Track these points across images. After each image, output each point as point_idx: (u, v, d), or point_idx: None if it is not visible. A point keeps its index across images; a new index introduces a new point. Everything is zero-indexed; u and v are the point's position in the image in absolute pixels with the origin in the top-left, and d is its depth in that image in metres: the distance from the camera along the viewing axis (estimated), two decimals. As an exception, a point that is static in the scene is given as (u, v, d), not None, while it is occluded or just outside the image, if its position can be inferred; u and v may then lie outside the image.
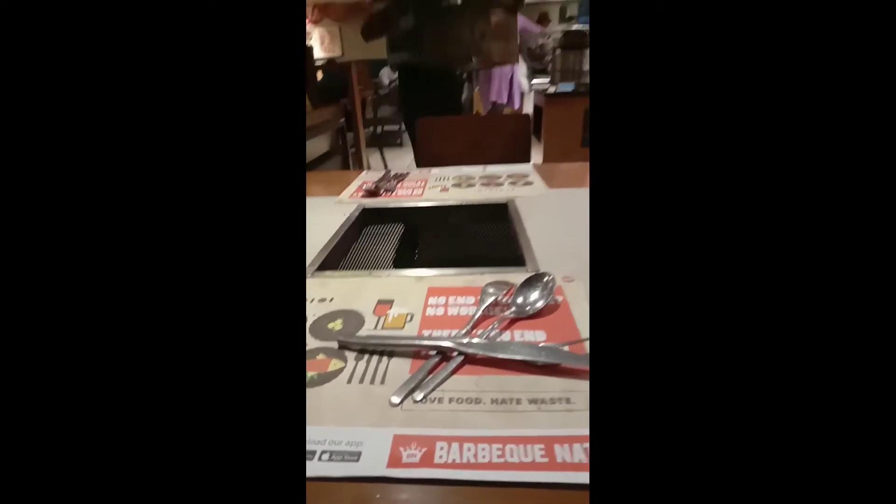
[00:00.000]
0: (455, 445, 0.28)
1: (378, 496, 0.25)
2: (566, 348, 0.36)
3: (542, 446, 0.27)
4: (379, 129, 4.55)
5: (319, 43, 7.30)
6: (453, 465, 0.26)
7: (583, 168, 0.97)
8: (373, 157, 3.22)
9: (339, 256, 0.62)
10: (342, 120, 2.46)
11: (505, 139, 1.22)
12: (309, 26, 7.21)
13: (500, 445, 0.27)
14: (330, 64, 3.97)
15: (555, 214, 0.68)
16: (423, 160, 1.18)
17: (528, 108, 2.95)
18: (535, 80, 3.03)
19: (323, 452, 0.27)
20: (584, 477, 0.25)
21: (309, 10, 6.97)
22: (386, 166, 3.34)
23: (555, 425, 0.29)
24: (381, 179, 0.86)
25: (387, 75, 5.84)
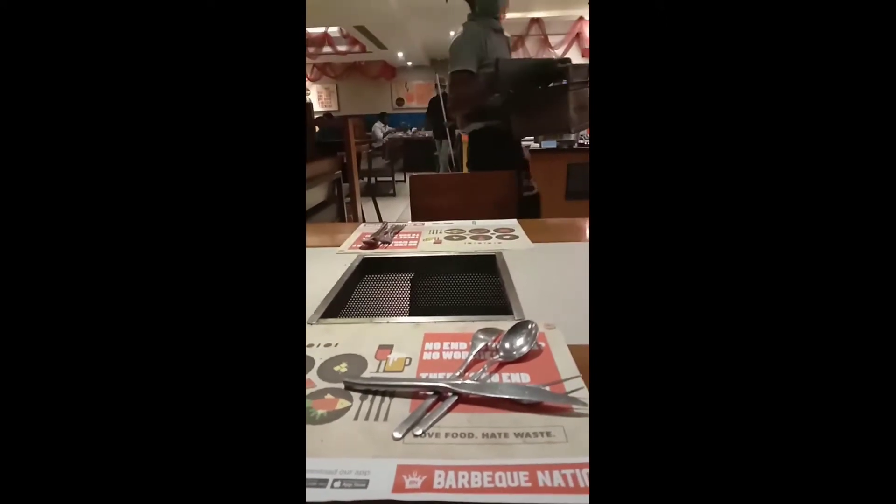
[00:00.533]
0: (451, 473, 0.32)
1: (384, 518, 0.29)
2: (548, 388, 0.40)
3: (526, 473, 0.31)
4: (372, 180, 4.72)
5: (317, 98, 7.69)
6: (450, 490, 0.30)
7: (563, 224, 1.05)
8: (366, 207, 3.33)
9: (340, 304, 0.66)
10: (338, 172, 2.57)
11: (493, 194, 1.32)
12: (308, 83, 7.62)
13: (490, 473, 0.31)
14: (327, 118, 4.18)
15: (537, 267, 0.74)
16: (417, 213, 1.26)
17: (515, 163, 3.11)
18: (521, 137, 3.22)
19: (335, 480, 0.31)
20: (563, 498, 0.29)
21: (308, 68, 7.40)
22: (379, 215, 3.44)
23: (537, 456, 0.33)
24: (378, 232, 0.93)
25: (380, 129, 6.13)
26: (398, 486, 0.30)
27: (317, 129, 3.33)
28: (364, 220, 1.03)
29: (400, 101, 7.83)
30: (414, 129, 7.15)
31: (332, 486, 0.31)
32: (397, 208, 4.15)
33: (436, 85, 4.75)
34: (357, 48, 6.06)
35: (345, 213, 2.54)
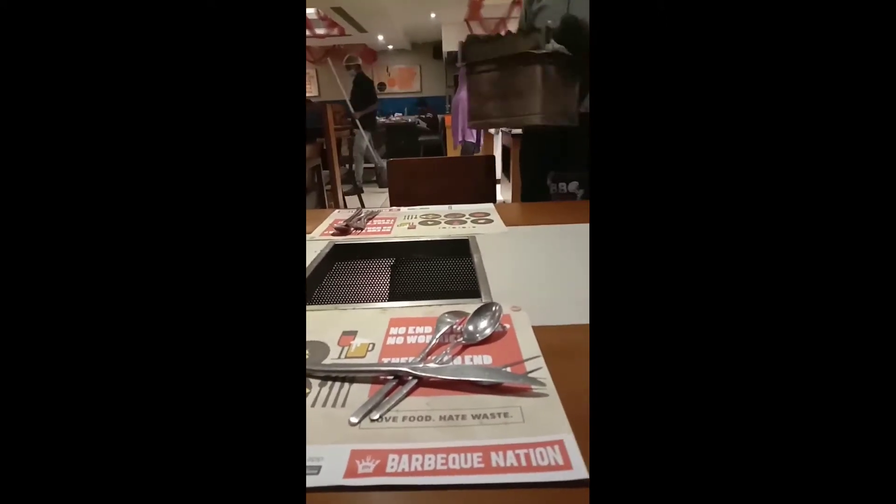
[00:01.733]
0: (405, 457, 0.31)
1: None
2: (509, 369, 0.40)
3: (479, 455, 0.31)
4: (353, 167, 4.64)
5: (296, 84, 7.48)
6: (402, 474, 0.30)
7: (538, 207, 1.05)
8: (349, 195, 3.28)
9: (310, 291, 0.65)
10: (318, 158, 2.53)
11: (472, 179, 1.30)
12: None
13: (444, 455, 0.31)
14: (306, 104, 4.08)
15: (510, 250, 0.74)
16: (396, 200, 1.25)
17: (498, 148, 3.10)
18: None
19: (286, 468, 0.31)
20: (515, 477, 0.29)
21: (287, 52, 7.17)
22: (362, 202, 3.40)
23: (492, 437, 0.33)
24: (351, 218, 0.91)
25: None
26: (350, 472, 0.30)
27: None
28: (346, 207, 0.99)
29: (382, 86, 7.69)
30: (398, 114, 7.06)
31: (283, 474, 0.30)
32: (380, 196, 4.11)
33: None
34: (336, 31, 5.90)
35: (325, 201, 2.50)
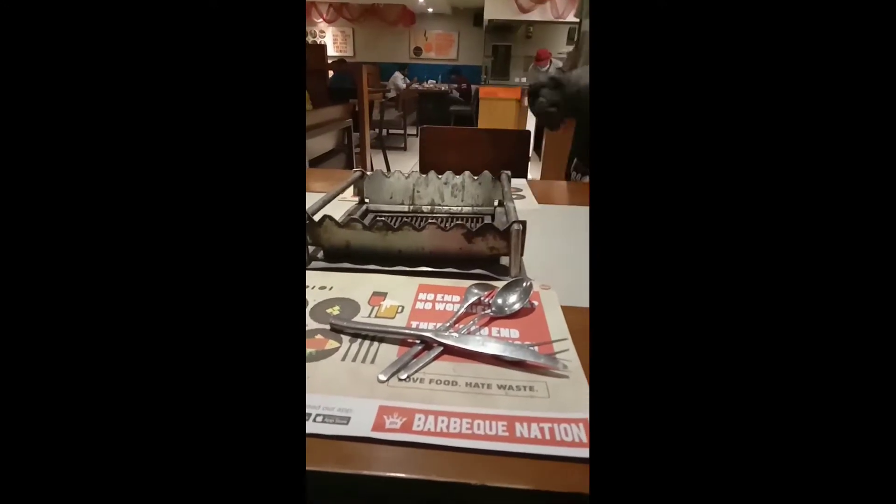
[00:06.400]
0: (431, 417, 0.32)
1: (362, 453, 0.30)
2: (536, 349, 0.40)
3: (504, 423, 0.32)
4: (384, 131, 4.61)
5: (332, 42, 7.37)
6: (428, 433, 0.31)
7: (572, 187, 1.02)
8: (376, 159, 3.27)
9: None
10: (349, 120, 2.51)
11: (505, 153, 1.28)
12: (323, 25, 7.28)
13: (470, 420, 0.32)
14: (340, 63, 4.02)
15: (541, 228, 0.73)
16: (426, 167, 1.23)
17: (531, 125, 3.02)
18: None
19: (317, 415, 0.32)
20: (538, 449, 0.30)
21: (324, 8, 7.05)
22: (388, 168, 3.39)
23: (517, 408, 0.33)
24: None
25: (401, 80, 5.90)
26: (378, 426, 0.31)
27: (330, 73, 3.21)
28: (373, 170, 0.97)
29: (418, 51, 7.50)
30: (432, 81, 6.91)
31: (314, 420, 0.31)
32: (407, 163, 4.08)
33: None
34: (376, -11, 5.73)
35: (353, 163, 2.50)
